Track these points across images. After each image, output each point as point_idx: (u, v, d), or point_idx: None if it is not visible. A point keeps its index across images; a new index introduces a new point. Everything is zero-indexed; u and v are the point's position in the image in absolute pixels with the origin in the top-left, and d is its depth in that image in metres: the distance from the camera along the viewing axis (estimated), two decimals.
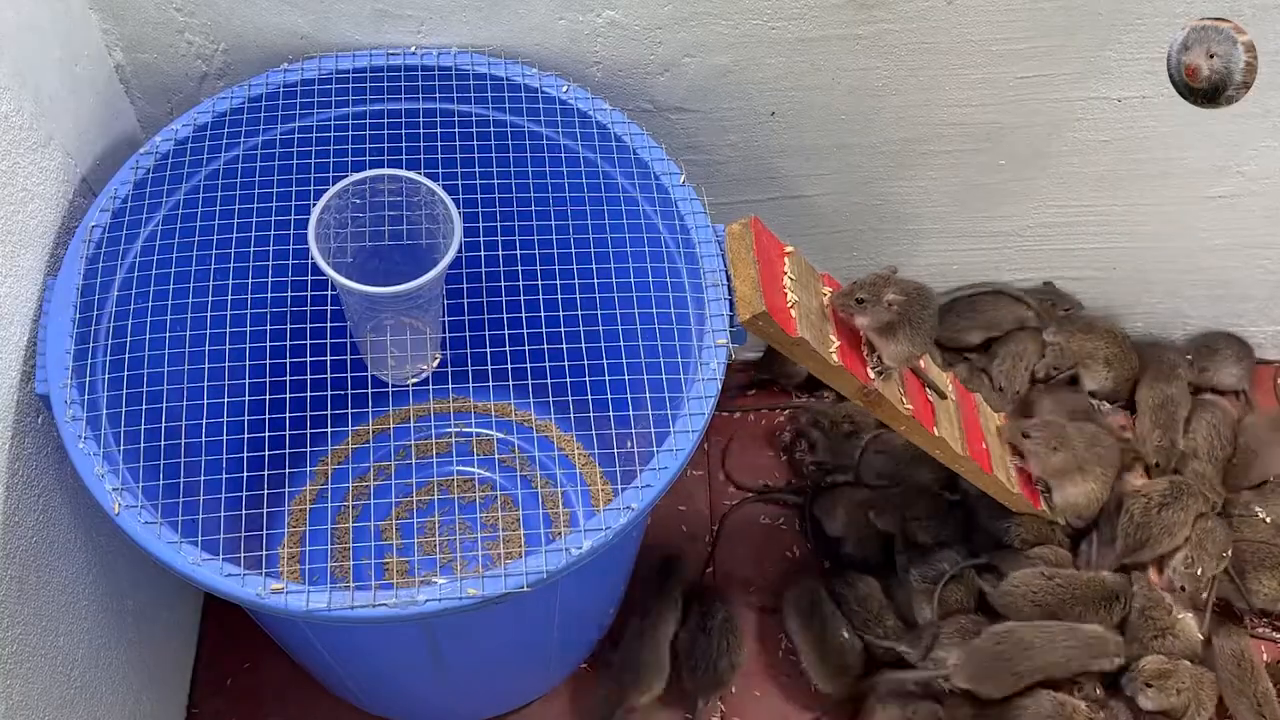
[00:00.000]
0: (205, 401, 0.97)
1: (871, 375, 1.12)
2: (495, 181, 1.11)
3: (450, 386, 1.07)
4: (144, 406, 0.96)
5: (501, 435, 1.47)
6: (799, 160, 1.35)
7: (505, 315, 1.05)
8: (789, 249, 1.11)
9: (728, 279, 1.04)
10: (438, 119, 1.12)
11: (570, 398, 1.01)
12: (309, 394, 1.00)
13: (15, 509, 0.95)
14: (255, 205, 1.05)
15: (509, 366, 1.01)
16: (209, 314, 1.00)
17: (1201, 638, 1.39)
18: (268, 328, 1.12)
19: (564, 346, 1.02)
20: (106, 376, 0.96)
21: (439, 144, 1.09)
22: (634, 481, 0.92)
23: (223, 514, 0.92)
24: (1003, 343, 1.57)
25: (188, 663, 1.39)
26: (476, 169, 1.12)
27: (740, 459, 1.60)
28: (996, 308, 1.58)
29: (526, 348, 1.02)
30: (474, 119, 1.14)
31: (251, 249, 1.03)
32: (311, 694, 1.37)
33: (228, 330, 1.06)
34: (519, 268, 1.08)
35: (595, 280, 1.07)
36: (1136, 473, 1.47)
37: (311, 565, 1.33)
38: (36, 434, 0.99)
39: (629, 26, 1.16)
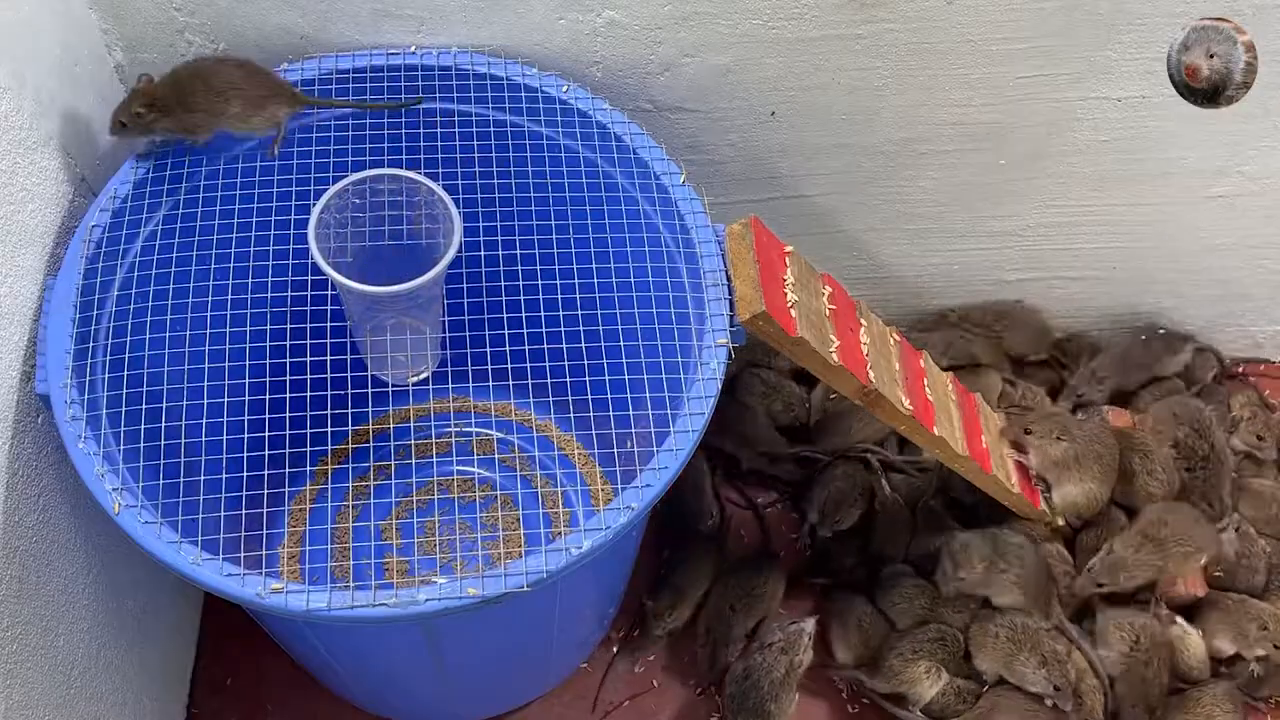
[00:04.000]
0: (205, 401, 0.97)
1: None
2: (495, 181, 1.11)
3: (450, 386, 1.07)
4: (144, 406, 0.96)
5: (501, 435, 1.47)
6: (799, 160, 1.35)
7: (505, 315, 1.05)
8: (789, 249, 1.11)
9: (728, 279, 1.04)
10: (438, 119, 1.12)
11: (570, 398, 1.01)
12: (309, 394, 1.00)
13: (15, 509, 0.95)
14: (255, 205, 1.05)
15: (509, 366, 1.01)
16: (209, 314, 1.00)
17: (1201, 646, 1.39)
18: (268, 328, 1.12)
19: (564, 346, 1.02)
20: (106, 376, 0.96)
21: (439, 144, 1.09)
22: (634, 481, 0.92)
23: (223, 514, 0.92)
24: None
25: (188, 663, 1.38)
26: (476, 169, 1.12)
27: None
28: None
29: (526, 348, 1.02)
30: (474, 119, 1.14)
31: (251, 249, 1.03)
32: (311, 694, 1.37)
33: (228, 330, 1.06)
34: (519, 268, 1.08)
35: (595, 280, 1.07)
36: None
37: (311, 565, 1.33)
38: (36, 434, 0.99)
39: (629, 26, 1.16)
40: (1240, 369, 1.71)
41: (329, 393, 1.05)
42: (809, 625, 1.32)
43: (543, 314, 1.04)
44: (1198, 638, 1.38)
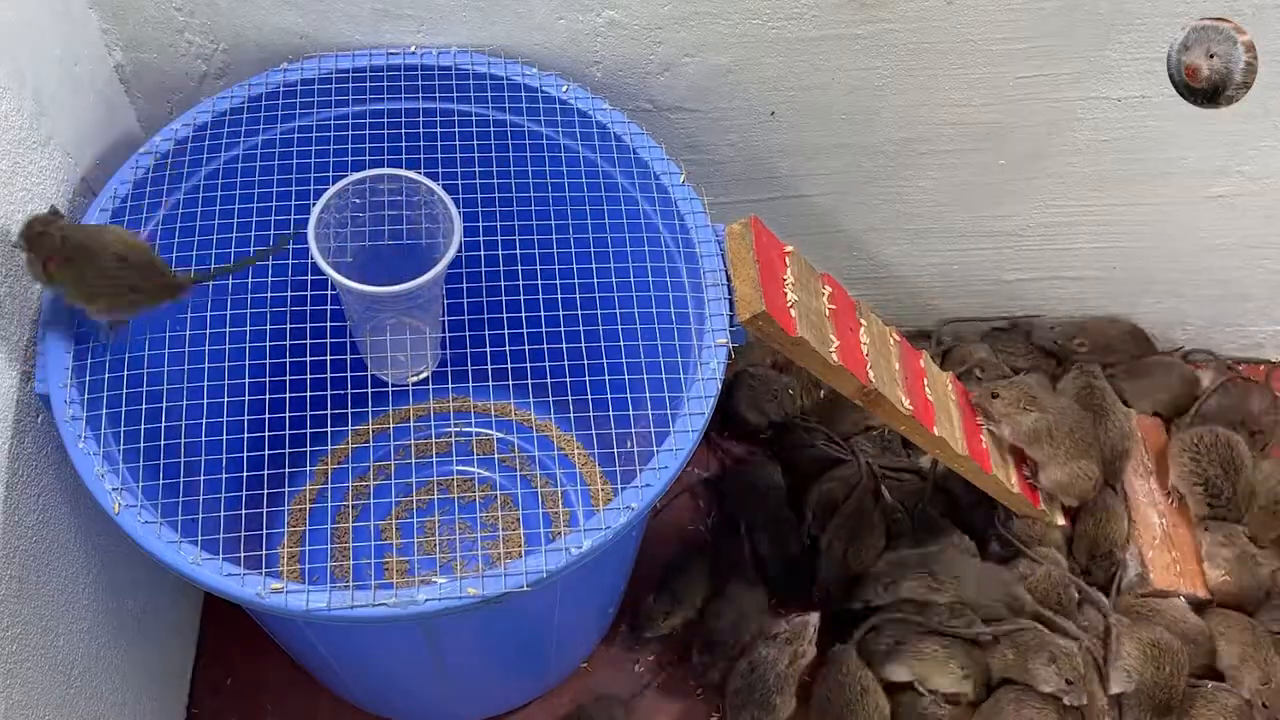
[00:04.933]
0: (205, 401, 0.97)
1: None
2: (495, 181, 1.11)
3: (450, 386, 1.07)
4: (144, 406, 0.96)
5: (501, 435, 1.47)
6: (799, 160, 1.35)
7: (505, 315, 1.05)
8: (789, 249, 1.11)
9: (728, 279, 1.04)
10: (438, 119, 1.12)
11: (570, 398, 1.01)
12: (309, 394, 1.00)
13: (15, 509, 0.95)
14: (255, 205, 1.05)
15: (509, 366, 1.01)
16: (209, 314, 1.00)
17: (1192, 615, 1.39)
18: (268, 328, 1.12)
19: (564, 346, 1.02)
20: (107, 376, 0.96)
21: (439, 144, 1.09)
22: (634, 481, 0.92)
23: (223, 514, 0.92)
24: None
25: (188, 663, 1.38)
26: (476, 169, 1.12)
27: None
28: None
29: (526, 348, 1.02)
30: (474, 119, 1.14)
31: (251, 249, 1.03)
32: (311, 694, 1.37)
33: (228, 330, 1.06)
34: (519, 268, 1.08)
35: (595, 280, 1.07)
36: None
37: (311, 565, 1.33)
38: (36, 434, 0.99)
39: (629, 26, 1.16)
40: (1241, 368, 1.71)
41: (329, 393, 1.05)
42: (813, 618, 1.32)
43: (543, 314, 1.04)
44: (1186, 609, 1.39)
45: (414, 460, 1.44)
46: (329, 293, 1.08)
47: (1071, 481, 1.38)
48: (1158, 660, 1.30)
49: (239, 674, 1.39)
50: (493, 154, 1.14)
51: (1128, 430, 1.50)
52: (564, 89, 1.14)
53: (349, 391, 1.05)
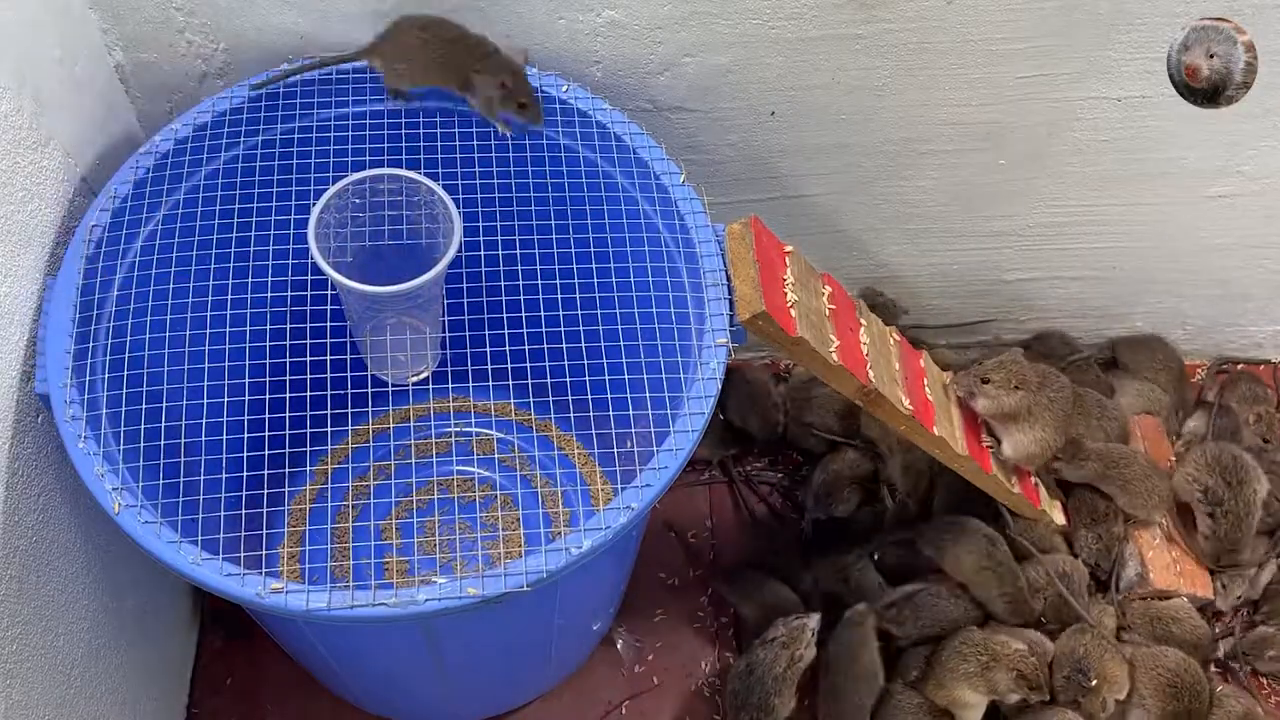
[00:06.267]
0: (205, 401, 0.97)
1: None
2: (495, 181, 1.11)
3: (450, 386, 1.07)
4: (144, 406, 0.96)
5: (501, 435, 1.47)
6: (799, 160, 1.35)
7: (505, 315, 1.05)
8: (789, 249, 1.11)
9: (728, 279, 1.04)
10: (438, 119, 1.12)
11: (570, 398, 1.01)
12: (309, 394, 1.00)
13: (15, 509, 0.95)
14: (255, 205, 1.05)
15: (509, 366, 1.01)
16: (209, 314, 1.00)
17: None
18: (268, 328, 1.12)
19: (564, 346, 1.02)
20: (106, 376, 0.96)
21: (439, 144, 1.09)
22: (634, 481, 0.92)
23: (223, 514, 0.92)
24: None
25: (188, 662, 1.39)
26: (476, 169, 1.12)
27: None
28: None
29: (526, 348, 1.02)
30: (474, 119, 1.14)
31: (251, 249, 1.03)
32: (311, 694, 1.37)
33: (228, 330, 1.06)
34: (519, 268, 1.08)
35: (595, 280, 1.07)
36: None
37: (311, 565, 1.33)
38: (36, 434, 0.99)
39: (629, 26, 1.16)
40: (1239, 367, 1.71)
41: (329, 393, 1.05)
42: (812, 620, 1.31)
43: (543, 314, 1.04)
44: (1192, 611, 1.39)
45: (414, 460, 1.44)
46: (329, 293, 1.08)
47: (1042, 452, 1.33)
48: (1178, 695, 1.30)
49: (239, 674, 1.39)
50: (493, 154, 1.14)
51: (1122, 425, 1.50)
52: (564, 89, 1.14)
53: (349, 391, 1.05)
